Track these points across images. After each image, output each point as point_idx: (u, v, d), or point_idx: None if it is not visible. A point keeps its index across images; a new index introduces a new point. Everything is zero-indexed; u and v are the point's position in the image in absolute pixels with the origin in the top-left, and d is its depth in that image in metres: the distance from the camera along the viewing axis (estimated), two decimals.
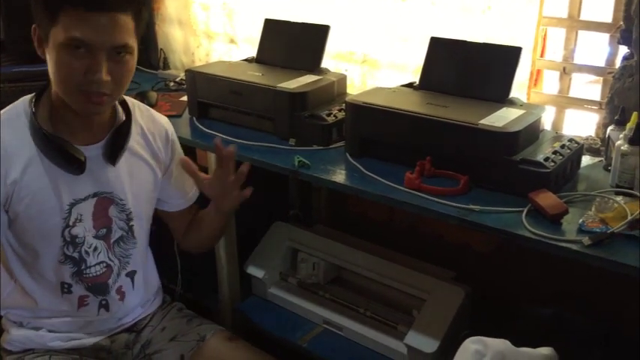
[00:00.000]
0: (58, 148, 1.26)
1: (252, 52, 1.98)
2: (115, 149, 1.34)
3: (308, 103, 1.66)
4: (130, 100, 1.42)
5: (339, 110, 1.66)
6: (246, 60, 1.97)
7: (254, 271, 1.91)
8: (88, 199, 1.34)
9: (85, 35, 1.15)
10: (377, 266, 1.77)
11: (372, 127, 1.52)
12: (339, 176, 1.47)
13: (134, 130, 1.39)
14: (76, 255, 1.36)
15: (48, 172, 1.28)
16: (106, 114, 1.34)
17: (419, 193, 1.36)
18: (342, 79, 1.80)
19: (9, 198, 1.27)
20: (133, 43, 1.23)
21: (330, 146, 1.63)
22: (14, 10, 2.22)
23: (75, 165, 1.28)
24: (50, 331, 1.41)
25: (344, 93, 1.81)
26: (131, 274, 1.46)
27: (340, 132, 1.64)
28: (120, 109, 1.37)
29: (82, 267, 1.37)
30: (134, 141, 1.39)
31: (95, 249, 1.38)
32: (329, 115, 1.64)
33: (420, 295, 1.67)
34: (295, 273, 1.91)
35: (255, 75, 1.79)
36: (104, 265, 1.40)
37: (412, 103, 1.52)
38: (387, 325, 1.69)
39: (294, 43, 1.87)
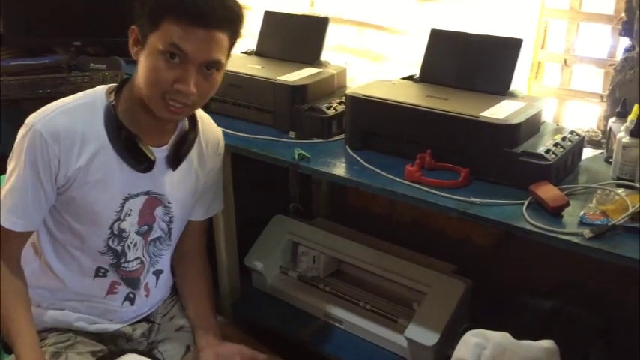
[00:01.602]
0: (132, 144, 1.29)
1: (252, 45, 1.98)
2: (178, 156, 1.37)
3: (308, 96, 1.65)
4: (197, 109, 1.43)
5: (339, 103, 1.65)
6: (245, 52, 1.97)
7: (254, 264, 1.90)
8: (140, 196, 1.35)
9: (184, 46, 1.18)
10: (377, 259, 1.77)
11: (373, 120, 1.52)
12: (339, 169, 1.47)
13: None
14: (119, 248, 1.37)
15: (113, 165, 1.30)
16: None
17: (419, 186, 1.35)
18: (342, 72, 1.80)
19: (71, 182, 1.27)
20: (224, 60, 1.26)
21: (330, 139, 1.63)
22: (13, 4, 2.22)
23: (145, 164, 1.31)
24: (74, 312, 1.41)
25: (344, 86, 1.80)
26: (157, 273, 1.48)
27: (340, 125, 1.64)
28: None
29: (122, 260, 1.39)
30: (193, 149, 1.41)
31: (135, 244, 1.39)
32: (329, 107, 1.63)
33: (420, 288, 1.67)
34: (295, 266, 1.91)
35: (254, 67, 1.78)
36: (139, 261, 1.41)
37: (412, 96, 1.51)
38: (388, 318, 1.69)
39: (293, 36, 1.87)
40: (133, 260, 1.40)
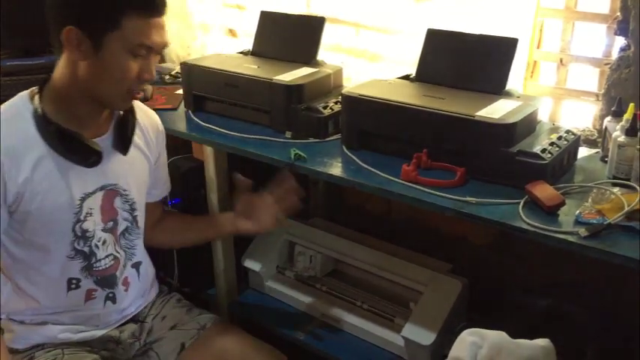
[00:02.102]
0: (74, 142, 1.27)
1: (249, 45, 1.98)
2: (124, 139, 1.36)
3: (304, 96, 1.65)
4: None
5: (336, 103, 1.65)
6: (242, 52, 1.96)
7: (251, 264, 1.91)
8: (97, 192, 1.35)
9: (151, 40, 1.22)
10: (374, 259, 1.77)
11: (369, 120, 1.52)
12: (336, 169, 1.47)
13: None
14: (86, 249, 1.36)
15: (59, 168, 1.28)
16: None
17: (415, 186, 1.35)
18: (338, 72, 1.80)
19: (20, 197, 1.26)
20: None
21: (327, 139, 1.63)
22: (11, 4, 2.21)
23: (93, 157, 1.30)
24: (56, 324, 1.40)
25: (340, 85, 1.80)
26: (137, 265, 1.47)
27: (336, 124, 1.64)
28: None
29: (92, 261, 1.37)
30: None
31: (104, 242, 1.39)
32: (325, 107, 1.63)
33: (417, 287, 1.67)
34: (292, 266, 1.91)
35: (251, 67, 1.78)
36: (112, 257, 1.41)
37: (409, 95, 1.51)
38: (384, 318, 1.70)
39: (290, 36, 1.86)
40: (104, 258, 1.39)
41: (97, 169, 1.32)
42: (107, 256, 1.40)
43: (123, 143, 1.36)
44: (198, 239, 1.66)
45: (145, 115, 1.48)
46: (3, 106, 1.29)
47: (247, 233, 1.58)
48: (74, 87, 1.26)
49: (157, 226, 1.59)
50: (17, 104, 1.29)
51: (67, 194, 1.30)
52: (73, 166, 1.29)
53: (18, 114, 1.27)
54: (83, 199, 1.32)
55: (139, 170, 1.44)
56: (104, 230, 1.38)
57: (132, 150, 1.40)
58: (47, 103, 1.28)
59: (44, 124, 1.25)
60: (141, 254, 1.49)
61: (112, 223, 1.39)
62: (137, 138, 1.42)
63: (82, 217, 1.33)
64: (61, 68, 1.26)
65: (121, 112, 1.37)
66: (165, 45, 1.27)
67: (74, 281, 1.37)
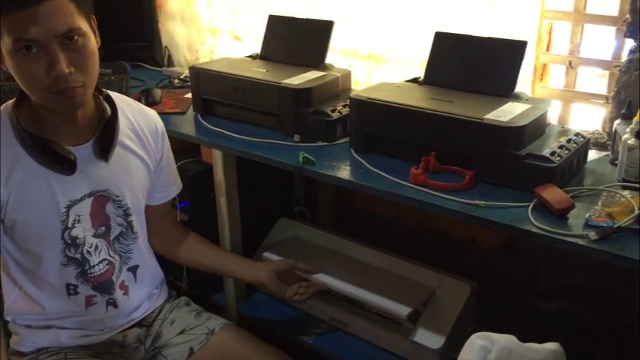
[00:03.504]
0: (45, 148, 1.25)
1: (257, 49, 1.98)
2: (104, 145, 1.32)
3: (312, 99, 1.65)
4: (115, 95, 1.41)
5: (344, 106, 1.65)
6: (250, 56, 1.97)
7: None
8: (85, 199, 1.33)
9: (29, 32, 1.12)
10: (383, 262, 1.77)
11: (377, 123, 1.52)
12: (344, 172, 1.47)
13: (123, 124, 1.37)
14: (78, 256, 1.36)
15: (40, 176, 1.27)
16: (88, 109, 1.31)
17: (424, 189, 1.35)
18: (346, 75, 1.80)
19: (4, 206, 1.26)
20: (81, 24, 1.18)
21: (335, 142, 1.63)
22: None
23: (65, 165, 1.27)
24: (61, 329, 1.41)
25: (348, 89, 1.80)
26: (133, 269, 1.46)
27: (345, 128, 1.64)
28: (106, 105, 1.36)
29: (86, 267, 1.37)
30: (124, 135, 1.38)
31: (96, 248, 1.38)
32: (333, 111, 1.63)
33: (426, 291, 1.67)
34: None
35: (259, 71, 1.78)
36: (106, 262, 1.40)
37: (417, 99, 1.51)
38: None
39: (298, 39, 1.87)
40: (98, 264, 1.38)
41: (81, 176, 1.31)
42: (101, 262, 1.39)
43: (103, 149, 1.32)
44: (206, 268, 1.64)
45: (142, 115, 1.44)
46: None
47: (265, 290, 1.71)
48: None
49: (180, 243, 1.59)
50: (1, 113, 1.29)
51: (52, 202, 1.29)
52: (55, 174, 1.28)
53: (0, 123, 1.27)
54: (69, 207, 1.31)
55: (133, 175, 1.41)
56: (95, 236, 1.37)
57: (124, 154, 1.38)
58: (25, 112, 1.28)
59: (19, 132, 1.25)
60: (138, 258, 1.47)
61: (103, 228, 1.38)
62: (129, 141, 1.39)
63: (69, 225, 1.32)
64: None
65: (107, 117, 1.33)
66: (58, 32, 1.14)
67: (72, 287, 1.38)
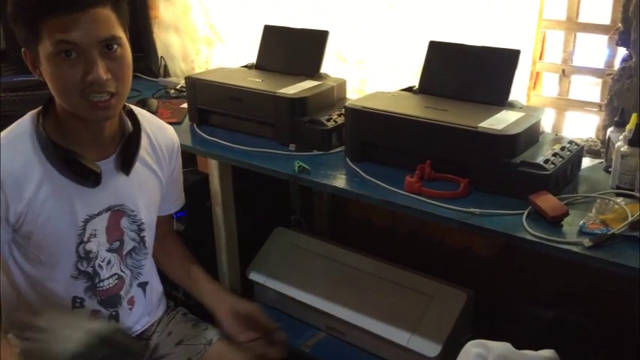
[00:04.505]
0: (73, 161, 1.25)
1: (246, 57, 1.99)
2: (127, 159, 1.33)
3: (308, 109, 1.66)
4: (137, 110, 1.42)
5: (339, 115, 1.66)
6: (245, 66, 1.98)
7: (256, 277, 1.91)
8: (102, 214, 1.33)
9: (71, 37, 1.14)
10: (379, 270, 1.77)
11: (372, 132, 1.52)
12: (340, 181, 1.47)
13: (143, 140, 1.38)
14: (89, 270, 1.35)
15: (62, 189, 1.27)
16: (114, 123, 1.32)
17: (419, 197, 1.36)
18: (341, 84, 1.81)
19: (23, 217, 1.25)
20: (120, 34, 1.20)
21: (330, 151, 1.63)
22: None
23: (91, 177, 1.27)
24: None
25: (343, 98, 1.81)
26: (143, 285, 1.46)
27: (340, 137, 1.64)
28: (127, 119, 1.37)
29: (96, 281, 1.37)
30: (143, 150, 1.39)
31: (108, 262, 1.37)
32: (329, 120, 1.64)
33: (422, 299, 1.67)
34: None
35: (254, 81, 1.79)
36: (116, 277, 1.39)
37: (411, 107, 1.52)
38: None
39: (293, 49, 1.88)
40: (108, 278, 1.38)
41: (102, 191, 1.31)
42: (111, 276, 1.39)
43: (125, 162, 1.33)
44: (180, 282, 1.61)
45: (160, 131, 1.46)
46: (10, 127, 1.29)
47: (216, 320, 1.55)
48: (62, 107, 1.25)
49: (159, 242, 1.57)
50: (23, 125, 1.28)
51: (71, 216, 1.29)
52: (76, 187, 1.28)
53: (23, 133, 1.26)
54: (87, 221, 1.31)
55: (148, 190, 1.42)
56: (109, 250, 1.37)
57: (141, 169, 1.39)
58: (50, 122, 1.27)
59: (44, 143, 1.25)
60: (148, 274, 1.47)
61: (117, 243, 1.38)
62: (147, 156, 1.40)
63: (85, 239, 1.32)
64: None
65: (129, 132, 1.35)
66: (101, 39, 1.16)
67: (78, 300, 1.37)
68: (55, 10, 1.13)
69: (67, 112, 1.24)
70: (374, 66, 2.01)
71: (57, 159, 1.25)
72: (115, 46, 1.19)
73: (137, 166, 1.36)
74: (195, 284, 1.57)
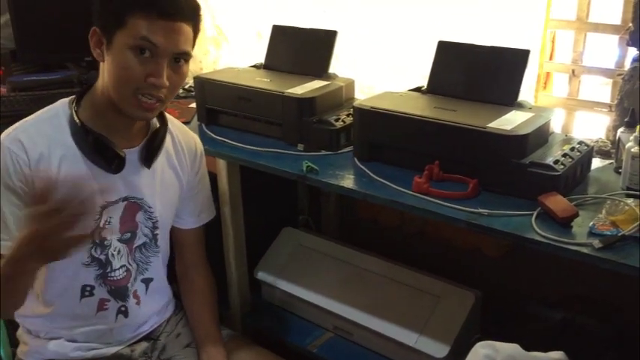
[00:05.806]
0: (99, 143, 1.28)
1: (254, 57, 1.99)
2: (150, 151, 1.36)
3: (316, 109, 1.66)
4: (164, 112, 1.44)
5: (348, 115, 1.66)
6: (254, 66, 1.98)
7: (264, 276, 1.91)
8: (119, 203, 1.35)
9: (154, 39, 1.19)
10: (387, 271, 1.77)
11: (381, 132, 1.52)
12: (348, 181, 1.47)
13: (168, 138, 1.41)
14: (102, 257, 1.37)
15: (84, 172, 1.29)
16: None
17: (427, 198, 1.35)
18: (350, 84, 1.80)
19: None
20: (191, 51, 1.27)
21: (339, 151, 1.63)
22: (26, 20, 2.25)
23: (115, 161, 1.30)
24: (70, 341, 1.41)
25: (352, 98, 1.81)
26: (146, 281, 1.46)
27: (348, 137, 1.64)
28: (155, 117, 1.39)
29: (108, 269, 1.38)
30: (167, 148, 1.42)
31: (119, 252, 1.39)
32: (337, 120, 1.64)
33: (430, 299, 1.66)
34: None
35: (263, 81, 1.79)
36: (125, 268, 1.41)
37: (420, 108, 1.52)
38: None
39: (302, 49, 1.88)
40: (119, 268, 1.39)
41: (122, 180, 1.33)
42: (121, 267, 1.40)
43: (148, 155, 1.36)
44: (191, 322, 1.56)
45: (183, 134, 1.49)
46: (45, 108, 1.33)
47: None
48: (104, 94, 1.28)
49: (191, 281, 1.56)
50: (57, 107, 1.32)
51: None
52: (98, 172, 1.30)
53: (55, 115, 1.30)
54: (104, 207, 1.33)
55: (168, 189, 1.44)
56: (120, 240, 1.38)
57: (163, 167, 1.41)
58: (83, 108, 1.31)
59: (76, 126, 1.28)
60: (155, 272, 1.47)
61: (129, 234, 1.39)
62: (170, 155, 1.43)
63: (101, 225, 1.34)
64: (99, 76, 1.29)
65: (156, 126, 1.38)
66: (177, 51, 1.22)
67: (88, 288, 1.38)
68: (151, 9, 1.18)
69: (106, 101, 1.28)
70: (381, 67, 2.01)
71: (83, 139, 1.28)
72: (182, 61, 1.25)
73: (159, 162, 1.39)
74: (202, 344, 1.51)
